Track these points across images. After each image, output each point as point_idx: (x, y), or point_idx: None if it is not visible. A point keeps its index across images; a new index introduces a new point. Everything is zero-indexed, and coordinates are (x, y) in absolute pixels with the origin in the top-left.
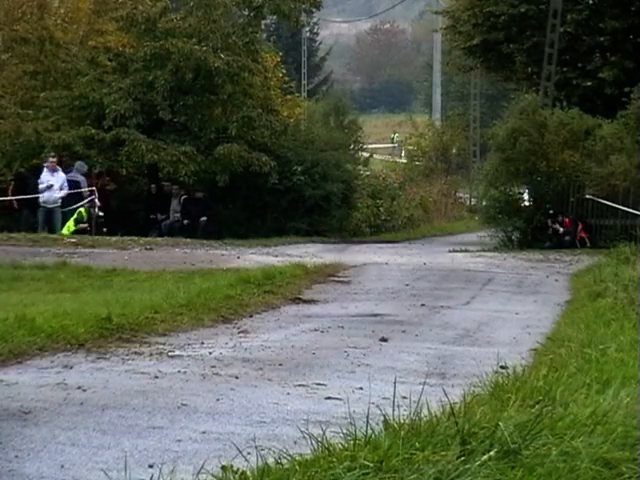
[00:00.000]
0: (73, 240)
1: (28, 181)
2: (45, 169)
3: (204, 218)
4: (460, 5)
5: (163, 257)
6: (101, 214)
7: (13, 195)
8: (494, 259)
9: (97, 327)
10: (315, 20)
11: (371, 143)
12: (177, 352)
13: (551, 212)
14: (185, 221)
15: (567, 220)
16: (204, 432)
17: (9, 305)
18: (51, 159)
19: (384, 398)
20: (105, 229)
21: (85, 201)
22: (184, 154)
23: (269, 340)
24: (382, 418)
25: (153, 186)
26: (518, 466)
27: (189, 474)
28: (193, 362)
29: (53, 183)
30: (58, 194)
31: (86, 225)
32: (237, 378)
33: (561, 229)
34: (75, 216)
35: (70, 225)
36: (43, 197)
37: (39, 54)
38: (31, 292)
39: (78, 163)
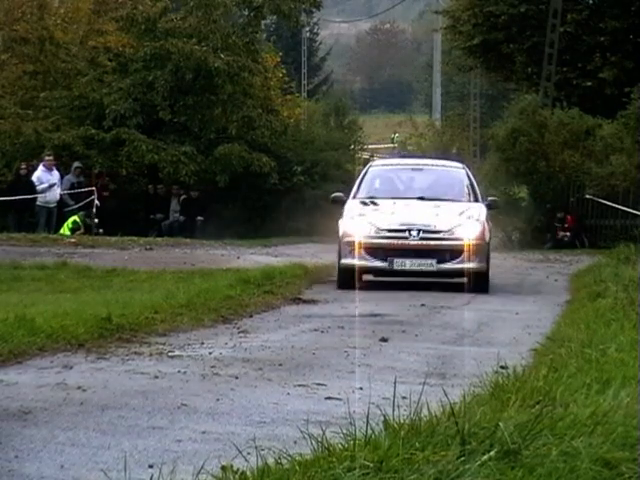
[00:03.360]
0: (73, 240)
1: (26, 184)
2: (42, 168)
3: (200, 218)
4: (460, 5)
5: (163, 257)
6: (96, 220)
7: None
8: (494, 259)
9: (97, 327)
10: (315, 20)
11: (371, 143)
12: (177, 352)
13: (559, 216)
14: (181, 217)
15: (569, 218)
16: (204, 432)
17: (9, 305)
18: (47, 157)
19: (384, 398)
20: (101, 230)
21: (78, 205)
22: (184, 154)
23: (269, 340)
24: (382, 418)
25: (150, 186)
26: (518, 466)
27: (189, 474)
28: (193, 362)
29: (54, 182)
30: (58, 193)
31: (82, 230)
32: (237, 378)
33: (568, 234)
34: (71, 225)
35: (65, 230)
36: (45, 197)
37: (39, 54)
38: (31, 292)
39: (74, 163)
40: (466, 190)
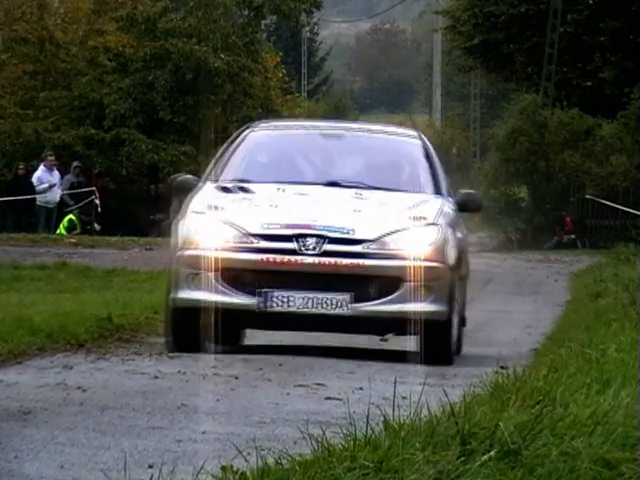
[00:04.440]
0: (73, 240)
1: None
2: (42, 168)
3: None
4: (460, 5)
5: (163, 257)
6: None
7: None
8: (494, 259)
9: (97, 327)
10: (315, 20)
11: None
12: (177, 352)
13: (566, 230)
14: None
15: (568, 219)
16: (204, 432)
17: (9, 305)
18: (49, 158)
19: (384, 398)
20: (98, 227)
21: (79, 205)
22: (184, 154)
23: (269, 340)
24: (382, 418)
25: (152, 186)
26: (518, 466)
27: (189, 474)
28: (193, 362)
29: (55, 182)
30: (58, 194)
31: (78, 230)
32: (237, 378)
33: (573, 236)
34: (67, 224)
35: (61, 230)
36: (45, 197)
37: (39, 54)
38: (31, 292)
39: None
40: (420, 174)
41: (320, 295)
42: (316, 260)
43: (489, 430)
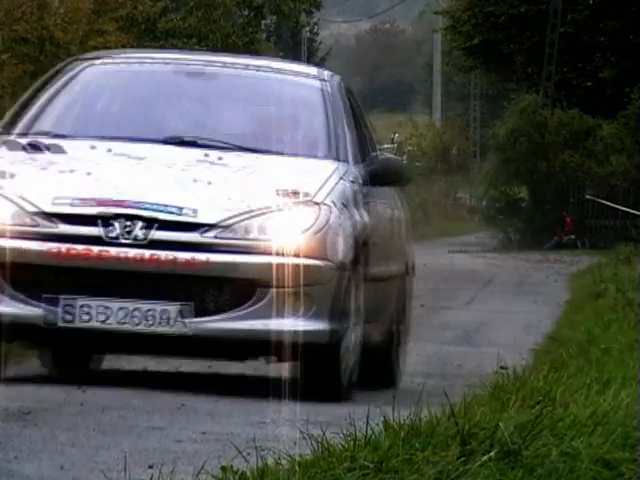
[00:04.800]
0: None
1: None
2: None
3: None
4: (460, 5)
5: None
6: None
7: None
8: (494, 260)
9: None
10: (315, 20)
11: None
12: None
13: (566, 230)
14: None
15: (568, 220)
16: (204, 433)
17: None
18: None
19: (384, 398)
20: None
21: None
22: None
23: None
24: (382, 418)
25: None
26: (518, 466)
27: (189, 474)
28: (193, 362)
29: None
30: None
31: None
32: (237, 378)
33: (573, 236)
34: None
35: None
36: None
37: (39, 54)
38: None
39: None
40: (313, 130)
41: (142, 305)
42: (131, 253)
43: (489, 430)
